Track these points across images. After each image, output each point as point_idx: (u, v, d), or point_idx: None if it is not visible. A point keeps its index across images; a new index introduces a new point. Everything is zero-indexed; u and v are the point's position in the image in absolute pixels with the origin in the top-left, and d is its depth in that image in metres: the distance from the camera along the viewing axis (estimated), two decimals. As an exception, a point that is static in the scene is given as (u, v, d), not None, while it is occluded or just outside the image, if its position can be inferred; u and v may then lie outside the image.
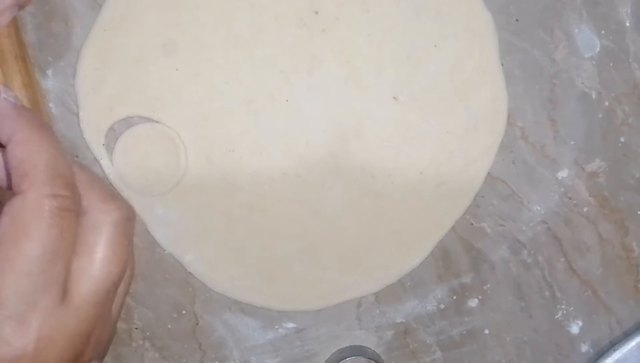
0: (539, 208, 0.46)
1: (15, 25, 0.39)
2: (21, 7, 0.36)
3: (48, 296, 0.28)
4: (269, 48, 0.42)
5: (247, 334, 0.45)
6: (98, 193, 0.31)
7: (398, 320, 0.46)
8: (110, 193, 0.31)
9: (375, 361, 0.45)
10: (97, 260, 0.29)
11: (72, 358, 0.30)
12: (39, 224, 0.27)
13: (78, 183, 0.30)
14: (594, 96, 0.45)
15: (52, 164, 0.28)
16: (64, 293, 0.29)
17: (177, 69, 0.42)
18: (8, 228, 0.27)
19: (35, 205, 0.27)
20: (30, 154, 0.28)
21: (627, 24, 0.44)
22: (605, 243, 0.46)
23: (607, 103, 0.45)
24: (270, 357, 0.46)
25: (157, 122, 0.42)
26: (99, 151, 0.42)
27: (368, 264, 0.45)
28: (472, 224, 0.46)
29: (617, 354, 0.46)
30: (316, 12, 0.42)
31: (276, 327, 0.46)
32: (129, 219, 0.32)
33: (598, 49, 0.45)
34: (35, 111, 0.39)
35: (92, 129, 0.42)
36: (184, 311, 0.44)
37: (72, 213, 0.28)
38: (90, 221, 0.30)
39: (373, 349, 0.46)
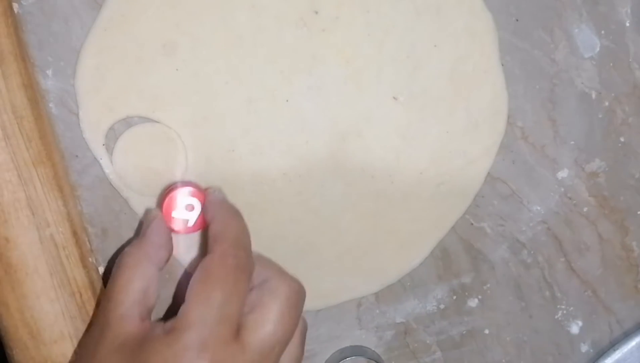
0: (539, 208, 0.46)
1: (15, 25, 0.39)
2: None
3: (223, 329, 0.34)
4: (269, 48, 0.42)
5: (247, 334, 0.45)
6: (278, 268, 0.38)
7: (398, 320, 0.46)
8: (287, 272, 0.38)
9: (375, 361, 0.45)
10: (269, 317, 0.35)
11: None
12: (220, 272, 0.35)
13: (263, 261, 0.38)
14: (594, 96, 0.45)
15: (236, 236, 0.37)
16: (237, 333, 0.34)
17: (177, 69, 0.42)
18: (200, 274, 0.35)
19: (220, 258, 0.35)
20: (223, 229, 0.37)
21: (627, 24, 0.44)
22: (605, 243, 0.46)
23: (607, 103, 0.45)
24: (270, 357, 0.46)
25: (157, 122, 0.42)
26: (99, 151, 0.42)
27: (368, 264, 0.45)
28: (472, 224, 0.46)
29: (617, 354, 0.46)
30: (316, 12, 0.42)
31: (276, 327, 0.46)
32: (300, 293, 0.37)
33: (598, 49, 0.45)
34: (34, 111, 0.39)
35: (92, 129, 0.42)
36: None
37: (246, 271, 0.36)
38: (269, 286, 0.36)
39: (373, 349, 0.46)
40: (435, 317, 0.46)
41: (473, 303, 0.46)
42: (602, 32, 0.44)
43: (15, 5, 0.41)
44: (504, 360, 0.47)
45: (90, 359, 0.36)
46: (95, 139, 0.42)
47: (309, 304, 0.45)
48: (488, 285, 0.46)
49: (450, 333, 0.47)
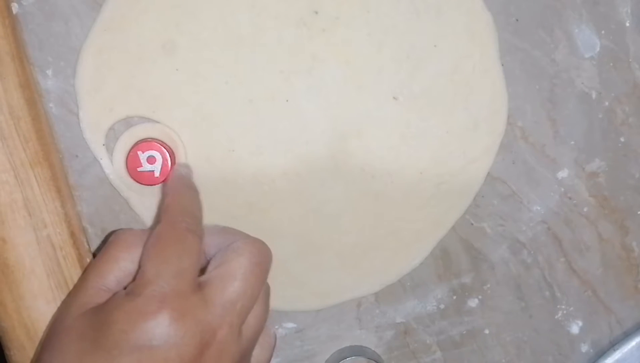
0: (539, 208, 0.46)
1: (12, 26, 0.39)
2: None
3: (180, 282, 0.34)
4: (269, 48, 0.42)
5: (247, 334, 0.45)
6: (243, 234, 0.38)
7: (398, 320, 0.46)
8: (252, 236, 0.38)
9: (375, 361, 0.45)
10: (233, 273, 0.36)
11: (197, 345, 0.34)
12: (171, 234, 0.36)
13: (227, 229, 0.39)
14: (594, 96, 0.45)
15: (185, 206, 0.38)
16: (196, 287, 0.35)
17: (177, 69, 0.42)
18: (152, 239, 0.36)
19: (170, 224, 0.36)
20: (173, 200, 0.38)
21: (627, 24, 0.44)
22: (605, 243, 0.46)
23: (607, 103, 0.45)
24: (270, 357, 0.46)
25: (157, 122, 0.42)
26: (99, 151, 0.42)
27: (368, 264, 0.45)
28: (472, 224, 0.46)
29: (617, 354, 0.46)
30: (316, 12, 0.42)
31: (276, 327, 0.46)
32: (264, 252, 0.37)
33: (598, 49, 0.45)
34: (32, 111, 0.39)
35: (92, 129, 0.42)
36: None
37: (196, 234, 0.36)
38: (234, 247, 0.37)
39: (373, 349, 0.46)
40: (435, 317, 0.46)
41: (473, 303, 0.46)
42: (602, 32, 0.44)
43: (15, 6, 0.41)
44: (504, 360, 0.47)
45: (59, 325, 0.36)
46: (95, 139, 0.42)
47: (309, 304, 0.45)
48: (488, 285, 0.46)
49: (450, 333, 0.47)
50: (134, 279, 0.36)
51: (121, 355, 0.33)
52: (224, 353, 0.35)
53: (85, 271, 0.38)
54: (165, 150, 0.42)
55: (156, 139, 0.42)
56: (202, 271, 0.37)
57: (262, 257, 0.37)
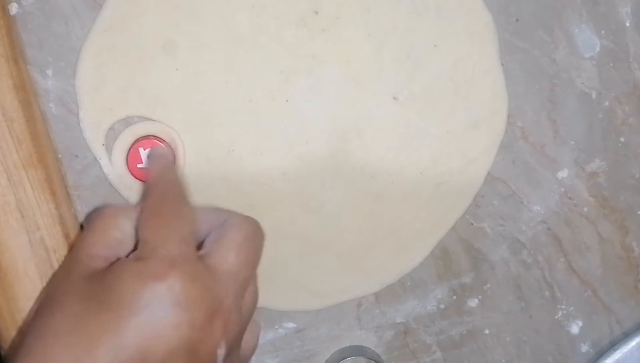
0: (539, 208, 0.46)
1: (8, 27, 0.39)
2: None
3: (186, 247, 0.34)
4: (269, 48, 0.42)
5: (247, 334, 0.45)
6: (237, 212, 0.38)
7: (398, 320, 0.46)
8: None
9: (375, 361, 0.45)
10: (232, 245, 0.35)
11: (207, 311, 0.33)
12: (165, 204, 0.36)
13: (220, 208, 0.38)
14: (594, 96, 0.45)
15: (171, 181, 0.38)
16: (200, 256, 0.35)
17: (177, 69, 0.42)
18: (147, 211, 0.36)
19: (161, 198, 0.36)
20: (159, 176, 0.38)
21: (627, 24, 0.44)
22: (605, 243, 0.46)
23: (607, 103, 0.45)
24: (270, 357, 0.46)
25: (157, 122, 0.42)
26: (99, 151, 0.42)
27: (368, 264, 0.45)
28: (472, 224, 0.46)
29: (617, 354, 0.46)
30: (316, 12, 0.42)
31: (276, 327, 0.46)
32: (258, 228, 0.37)
33: (598, 49, 0.45)
34: (27, 113, 0.39)
35: (92, 129, 0.42)
36: None
37: (187, 201, 0.37)
38: (230, 222, 0.36)
39: (373, 349, 0.46)
40: (435, 317, 0.46)
41: (473, 303, 0.46)
42: (602, 32, 0.44)
43: (15, 6, 0.41)
44: (504, 360, 0.47)
45: (56, 291, 0.35)
46: (95, 139, 0.42)
47: (309, 304, 0.45)
48: (488, 285, 0.46)
49: (450, 333, 0.47)
50: (134, 248, 0.35)
51: (131, 315, 0.32)
52: (229, 323, 0.34)
53: (74, 245, 0.37)
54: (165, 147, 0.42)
55: (156, 136, 0.42)
56: (198, 248, 0.36)
57: (257, 233, 0.37)
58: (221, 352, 0.34)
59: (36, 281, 0.38)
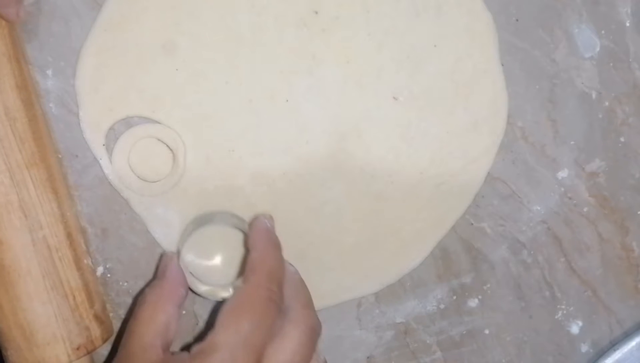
0: (539, 208, 0.46)
1: (9, 26, 0.39)
2: None
3: (246, 356, 0.36)
4: (269, 48, 0.42)
5: (247, 334, 0.45)
6: (302, 299, 0.40)
7: (398, 320, 0.46)
8: (311, 303, 0.40)
9: (241, 230, 0.43)
10: (289, 346, 0.37)
11: None
12: (252, 302, 0.37)
13: (292, 288, 0.40)
14: (594, 96, 0.45)
15: (271, 269, 0.39)
16: (259, 359, 0.36)
17: (177, 69, 0.42)
18: (232, 302, 0.37)
19: (254, 289, 0.38)
20: (261, 259, 0.39)
21: (627, 24, 0.44)
22: (605, 243, 0.46)
23: (607, 103, 0.45)
24: (270, 357, 0.46)
25: (157, 122, 0.42)
26: (99, 151, 0.42)
27: (368, 264, 0.45)
28: (472, 224, 0.46)
29: (617, 354, 0.46)
30: (316, 12, 0.42)
31: (276, 327, 0.46)
32: (318, 329, 0.39)
33: (598, 49, 0.45)
34: (29, 112, 0.39)
35: (92, 129, 0.42)
36: (184, 311, 0.44)
37: (276, 304, 0.38)
38: (291, 317, 0.38)
39: (241, 217, 0.43)
40: (435, 317, 0.46)
41: (473, 303, 0.46)
42: (602, 32, 0.44)
43: (15, 5, 0.41)
44: (504, 360, 0.47)
45: None
46: (95, 139, 0.42)
47: (309, 304, 0.45)
48: (488, 285, 0.46)
49: (450, 333, 0.47)
50: (200, 337, 0.37)
51: None
52: None
53: (124, 338, 0.39)
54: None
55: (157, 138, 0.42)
56: None
57: (315, 333, 0.39)
58: None
59: (39, 280, 0.38)
